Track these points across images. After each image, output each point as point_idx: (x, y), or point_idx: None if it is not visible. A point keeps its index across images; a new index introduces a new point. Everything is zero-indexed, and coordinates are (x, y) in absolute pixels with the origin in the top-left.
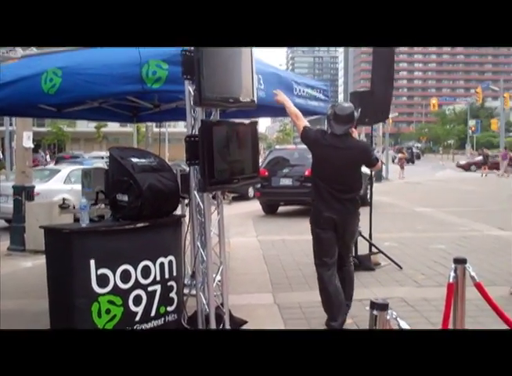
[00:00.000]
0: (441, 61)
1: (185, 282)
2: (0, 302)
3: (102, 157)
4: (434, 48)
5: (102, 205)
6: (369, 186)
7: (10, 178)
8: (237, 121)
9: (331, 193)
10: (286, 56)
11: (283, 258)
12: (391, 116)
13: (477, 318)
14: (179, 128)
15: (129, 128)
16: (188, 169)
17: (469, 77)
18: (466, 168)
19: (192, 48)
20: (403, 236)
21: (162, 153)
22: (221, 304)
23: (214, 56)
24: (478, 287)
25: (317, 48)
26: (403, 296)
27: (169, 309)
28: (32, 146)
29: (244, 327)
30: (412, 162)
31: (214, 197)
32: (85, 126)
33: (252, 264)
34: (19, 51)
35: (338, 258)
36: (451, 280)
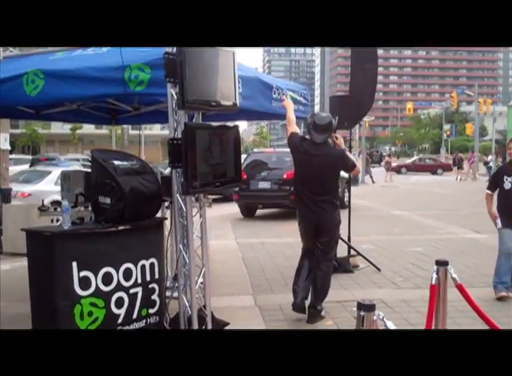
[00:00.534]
0: (416, 66)
1: (168, 284)
2: None
3: (78, 160)
4: (409, 53)
5: (82, 208)
6: (346, 190)
7: None
8: (217, 124)
9: (308, 196)
10: (263, 59)
11: (262, 260)
12: (367, 119)
13: (456, 319)
14: (155, 130)
15: (104, 130)
16: (166, 171)
17: (444, 82)
18: (397, 170)
19: (174, 50)
20: (380, 238)
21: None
22: (204, 306)
23: (196, 58)
24: (460, 288)
25: (293, 52)
26: (382, 298)
27: (151, 311)
28: (9, 148)
29: (226, 328)
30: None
31: (196, 200)
32: (60, 128)
33: (232, 266)
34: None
35: (315, 259)
36: (433, 282)
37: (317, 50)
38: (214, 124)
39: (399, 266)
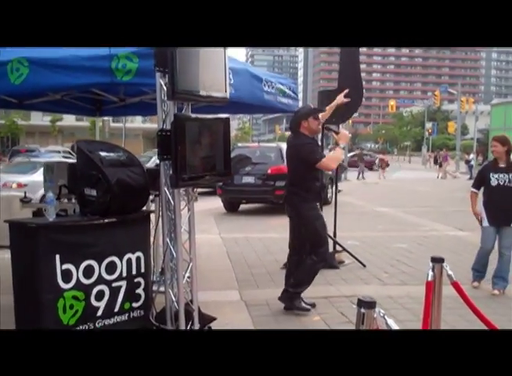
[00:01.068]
0: (399, 64)
1: (154, 279)
2: None
3: (59, 152)
4: (392, 51)
5: (65, 200)
6: (329, 186)
7: None
8: (209, 116)
9: (286, 186)
10: (246, 53)
11: (247, 255)
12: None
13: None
14: (137, 123)
15: (85, 122)
16: (148, 164)
17: (426, 80)
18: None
19: None
20: (365, 235)
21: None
22: (191, 301)
23: (187, 49)
24: (455, 286)
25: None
26: (369, 294)
27: (135, 305)
28: None
29: (213, 323)
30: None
31: (185, 193)
32: (40, 119)
33: (217, 261)
34: None
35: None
36: (429, 279)
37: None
38: (203, 116)
39: (384, 262)
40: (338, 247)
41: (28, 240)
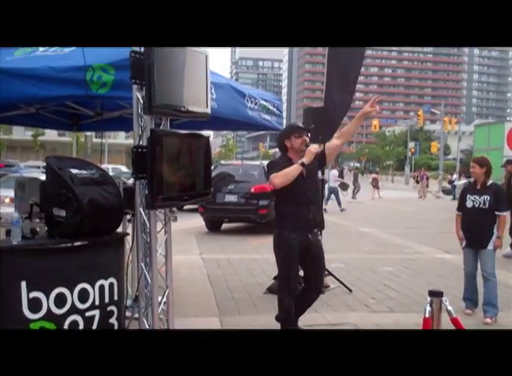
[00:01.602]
0: (382, 83)
1: (128, 304)
2: None
3: (39, 167)
4: (375, 70)
5: (37, 220)
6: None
7: None
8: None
9: None
10: (230, 71)
11: (228, 278)
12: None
13: None
14: (120, 139)
15: (67, 137)
16: (129, 181)
17: (409, 100)
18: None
19: (141, 49)
20: (350, 257)
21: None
22: None
23: (166, 60)
24: (455, 322)
25: (261, 65)
26: (355, 322)
27: None
28: None
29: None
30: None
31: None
32: (22, 134)
33: (196, 284)
34: None
35: None
36: (427, 315)
37: (285, 64)
38: (182, 132)
39: (371, 287)
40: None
41: None
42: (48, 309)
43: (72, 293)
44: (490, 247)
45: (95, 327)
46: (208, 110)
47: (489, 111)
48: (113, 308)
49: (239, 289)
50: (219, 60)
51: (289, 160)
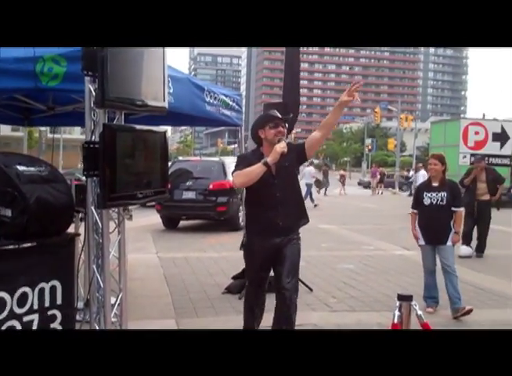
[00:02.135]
0: (339, 80)
1: (79, 307)
2: None
3: None
4: (333, 67)
5: None
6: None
7: None
8: (146, 127)
9: None
10: (189, 67)
11: (185, 277)
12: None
13: None
14: (75, 134)
15: (22, 132)
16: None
17: (366, 97)
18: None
19: None
20: (310, 254)
21: (56, 161)
22: None
23: (120, 51)
24: (425, 327)
25: (220, 61)
26: (316, 322)
27: None
28: None
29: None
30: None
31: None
32: None
33: (152, 285)
34: None
35: None
36: (395, 321)
37: (244, 60)
38: (138, 127)
39: (331, 286)
40: None
41: None
42: None
43: (12, 297)
44: (449, 243)
45: None
46: (165, 105)
47: (444, 109)
48: (55, 312)
49: (196, 289)
50: (177, 56)
51: (260, 155)
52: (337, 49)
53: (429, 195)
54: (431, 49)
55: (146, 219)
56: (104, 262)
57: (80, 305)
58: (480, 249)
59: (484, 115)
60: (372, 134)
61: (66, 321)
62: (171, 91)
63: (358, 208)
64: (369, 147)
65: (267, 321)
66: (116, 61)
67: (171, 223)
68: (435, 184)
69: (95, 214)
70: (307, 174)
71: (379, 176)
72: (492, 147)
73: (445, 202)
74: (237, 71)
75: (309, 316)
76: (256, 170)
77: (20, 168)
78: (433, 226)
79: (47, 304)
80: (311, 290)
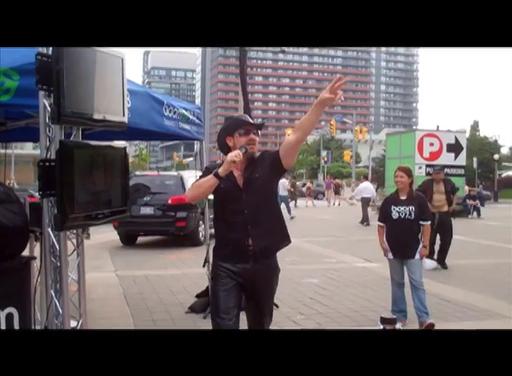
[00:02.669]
0: (294, 94)
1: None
2: None
3: None
4: (287, 81)
5: None
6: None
7: None
8: (104, 143)
9: None
10: (143, 80)
11: (147, 296)
12: None
13: None
14: (27, 149)
15: None
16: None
17: None
18: None
19: (49, 51)
20: None
21: (7, 177)
22: None
23: (77, 63)
24: None
25: (174, 75)
26: None
27: None
28: None
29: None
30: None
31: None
32: None
33: (112, 305)
34: None
35: None
36: None
37: (198, 74)
38: (96, 143)
39: (297, 301)
40: None
41: None
42: None
43: None
44: (417, 256)
45: None
46: (125, 119)
47: (397, 120)
48: None
49: (158, 309)
50: (130, 69)
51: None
52: (291, 63)
53: (397, 209)
54: (383, 63)
55: (102, 236)
56: (63, 286)
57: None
58: (443, 260)
59: (438, 127)
60: (327, 146)
61: None
62: (129, 105)
63: (316, 220)
64: (325, 159)
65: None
66: (72, 74)
67: (129, 240)
68: (403, 197)
69: (52, 236)
70: (281, 186)
71: (334, 188)
72: (447, 158)
73: (413, 216)
74: (191, 85)
75: None
76: (207, 182)
77: None
78: (401, 240)
79: None
80: (277, 306)
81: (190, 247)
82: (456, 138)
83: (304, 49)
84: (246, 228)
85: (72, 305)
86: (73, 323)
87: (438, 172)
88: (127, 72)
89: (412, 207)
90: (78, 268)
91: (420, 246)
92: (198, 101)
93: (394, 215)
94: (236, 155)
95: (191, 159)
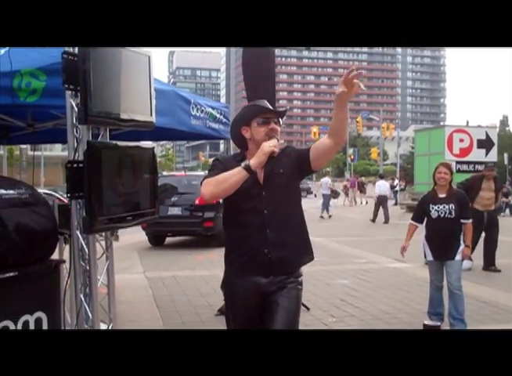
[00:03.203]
0: (318, 91)
1: None
2: None
3: None
4: (312, 78)
5: None
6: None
7: None
8: (128, 144)
9: None
10: (168, 81)
11: (176, 298)
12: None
13: None
14: (56, 151)
15: (1, 150)
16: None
17: None
18: None
19: (75, 50)
20: (303, 269)
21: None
22: None
23: (104, 63)
24: None
25: (199, 74)
26: None
27: None
28: None
29: None
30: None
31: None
32: None
33: (141, 308)
34: None
35: None
36: None
37: (222, 73)
38: (124, 143)
39: (328, 304)
40: None
41: None
42: None
43: None
44: (458, 257)
45: None
46: (153, 119)
47: (424, 117)
48: None
49: (188, 312)
50: (156, 70)
51: (243, 160)
52: (315, 60)
53: (436, 207)
54: (409, 58)
55: (131, 237)
56: (92, 290)
57: None
58: (493, 262)
59: (468, 122)
60: (353, 143)
61: None
62: (156, 105)
63: (344, 219)
64: (352, 157)
65: None
66: (99, 74)
67: (157, 240)
68: (442, 195)
69: (81, 239)
70: (324, 184)
71: (358, 187)
72: (478, 154)
73: (453, 215)
74: (216, 84)
75: None
76: (233, 176)
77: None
78: (441, 241)
79: None
80: (307, 309)
81: (218, 247)
82: (486, 133)
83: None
84: (265, 232)
85: (101, 309)
86: (102, 327)
87: (491, 169)
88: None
89: (452, 205)
90: (108, 271)
91: (462, 246)
92: (223, 100)
93: (434, 214)
94: (274, 145)
95: None
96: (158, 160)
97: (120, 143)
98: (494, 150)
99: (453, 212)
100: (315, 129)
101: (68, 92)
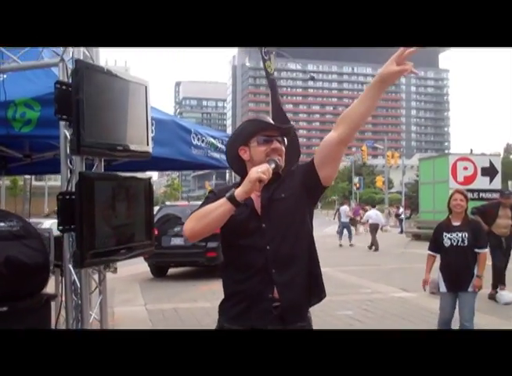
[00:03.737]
0: (324, 121)
1: None
2: None
3: None
4: (317, 108)
5: None
6: None
7: None
8: (124, 174)
9: None
10: (174, 111)
11: None
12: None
13: None
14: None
15: (7, 180)
16: None
17: None
18: None
19: (69, 81)
20: None
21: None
22: None
23: (99, 93)
24: None
25: (205, 104)
26: None
27: None
28: None
29: None
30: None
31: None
32: None
33: None
34: None
35: None
36: None
37: (229, 103)
38: (119, 174)
39: None
40: None
41: None
42: None
43: None
44: (470, 289)
45: None
46: (149, 149)
47: (428, 145)
48: None
49: None
50: (162, 100)
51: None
52: (320, 90)
53: (449, 235)
54: (413, 87)
55: (133, 268)
56: (84, 326)
57: None
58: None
59: (471, 150)
60: (359, 172)
61: None
62: (154, 135)
63: (348, 247)
64: (357, 185)
65: None
66: (93, 103)
67: (159, 271)
68: (456, 223)
69: (73, 272)
70: (342, 213)
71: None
72: (482, 182)
73: (466, 243)
74: (222, 114)
75: None
76: (217, 209)
77: None
78: (453, 270)
79: None
80: None
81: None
82: (490, 161)
83: (334, 76)
84: (268, 273)
85: None
86: None
87: (508, 197)
88: (158, 103)
89: (465, 234)
90: (100, 306)
91: (474, 277)
92: (229, 130)
93: (446, 243)
94: (263, 171)
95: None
96: (164, 189)
97: (115, 174)
98: (498, 178)
99: (466, 241)
100: None
101: (62, 123)
